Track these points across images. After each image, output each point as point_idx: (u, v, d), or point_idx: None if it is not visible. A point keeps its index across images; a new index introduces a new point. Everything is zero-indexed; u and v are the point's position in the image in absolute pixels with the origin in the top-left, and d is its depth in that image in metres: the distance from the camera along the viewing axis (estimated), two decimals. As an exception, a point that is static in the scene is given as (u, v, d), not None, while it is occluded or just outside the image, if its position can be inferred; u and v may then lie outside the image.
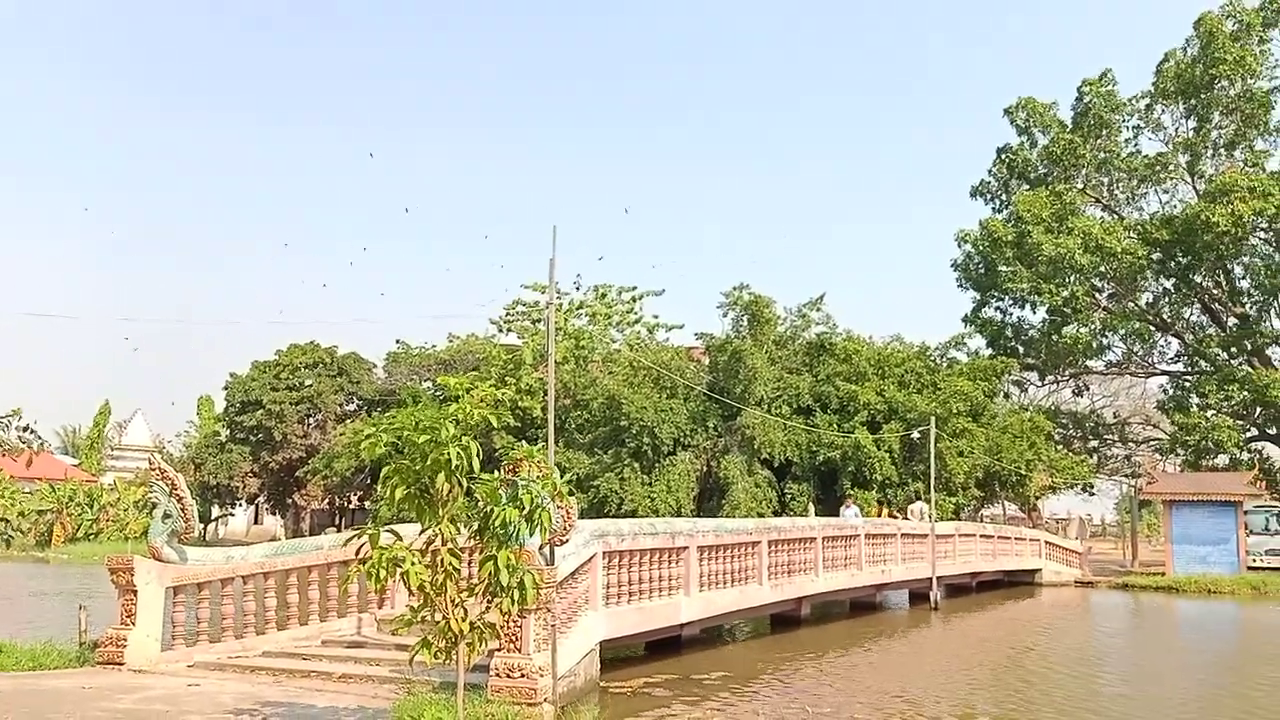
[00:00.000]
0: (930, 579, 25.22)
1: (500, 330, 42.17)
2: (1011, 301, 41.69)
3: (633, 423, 29.91)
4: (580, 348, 36.26)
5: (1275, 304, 40.75)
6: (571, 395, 33.57)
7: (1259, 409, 37.34)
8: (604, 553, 13.09)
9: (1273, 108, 40.08)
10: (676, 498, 29.17)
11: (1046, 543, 34.46)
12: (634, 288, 41.39)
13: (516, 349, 37.75)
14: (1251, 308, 40.59)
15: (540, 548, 10.37)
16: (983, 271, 41.66)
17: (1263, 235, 39.03)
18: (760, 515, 27.41)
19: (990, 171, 44.33)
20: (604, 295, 40.64)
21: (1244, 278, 40.78)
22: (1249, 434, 39.48)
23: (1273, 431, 39.50)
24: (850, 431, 30.58)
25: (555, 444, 32.24)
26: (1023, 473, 33.93)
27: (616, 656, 14.09)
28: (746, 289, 32.98)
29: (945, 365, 36.85)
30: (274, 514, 59.24)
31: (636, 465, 29.86)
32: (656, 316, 41.65)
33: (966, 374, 35.27)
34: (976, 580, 30.06)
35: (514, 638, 10.22)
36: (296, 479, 50.07)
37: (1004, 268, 39.55)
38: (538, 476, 8.86)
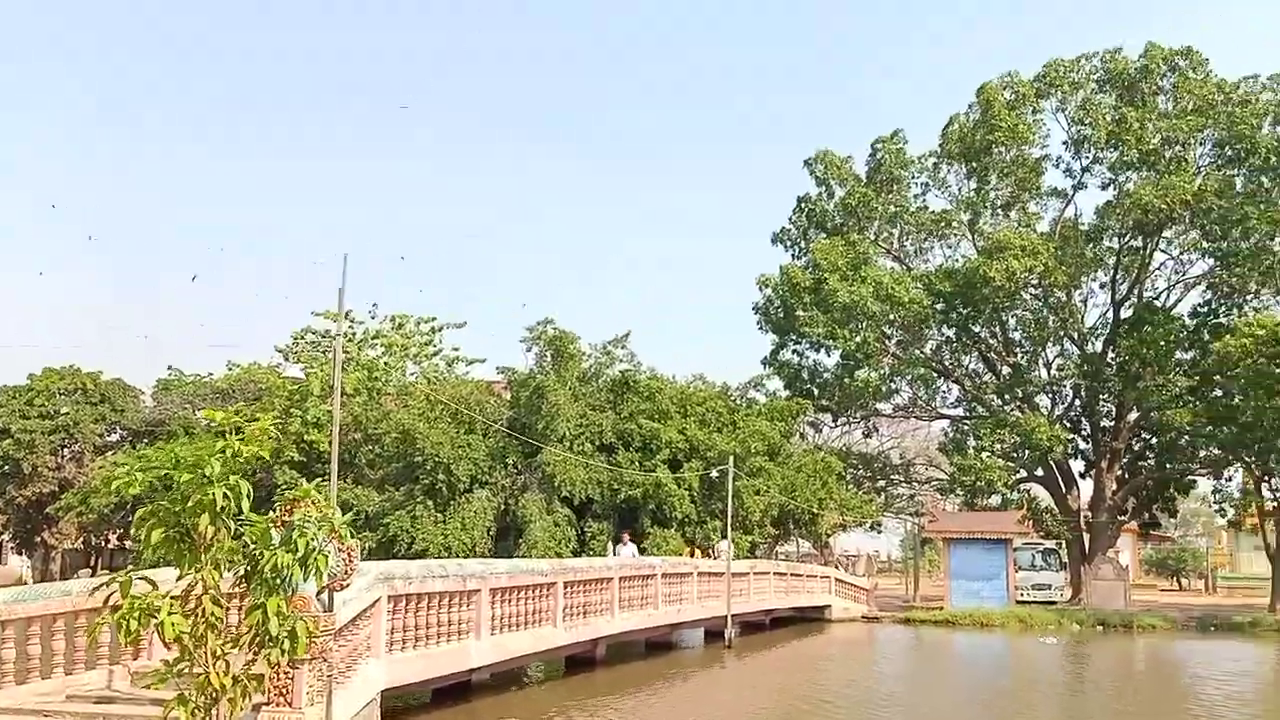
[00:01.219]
0: (725, 617, 25.93)
1: (287, 359, 40.44)
2: (808, 345, 43.74)
3: (427, 458, 29.29)
4: (373, 379, 35.30)
5: (1042, 355, 44.85)
6: (362, 429, 32.55)
7: (1026, 451, 40.76)
8: (389, 597, 12.75)
9: (1043, 173, 44.19)
10: (472, 536, 28.73)
11: (837, 580, 36.21)
12: (433, 318, 40.80)
13: (304, 380, 36.31)
14: (1022, 358, 44.42)
15: (318, 593, 9.99)
16: (782, 315, 43.57)
17: (1033, 291, 42.84)
18: (559, 555, 27.40)
19: (790, 219, 46.65)
20: (401, 325, 39.79)
21: (1015, 330, 44.62)
22: (1018, 475, 43.00)
23: (1039, 473, 43.24)
24: (652, 470, 31.15)
25: (343, 480, 31.18)
26: (815, 511, 35.55)
27: (400, 705, 13.69)
28: (551, 324, 33.19)
29: (745, 405, 38.20)
30: (20, 554, 54.02)
31: (430, 503, 29.21)
32: (457, 349, 41.22)
33: (765, 414, 36.73)
34: (770, 617, 31.15)
35: (284, 691, 9.77)
36: (47, 515, 45.88)
37: (802, 312, 41.42)
38: (316, 517, 8.56)
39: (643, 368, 35.99)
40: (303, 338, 39.59)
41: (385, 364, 38.11)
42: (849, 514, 38.71)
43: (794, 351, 44.76)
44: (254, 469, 7.96)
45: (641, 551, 28.03)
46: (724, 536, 28.77)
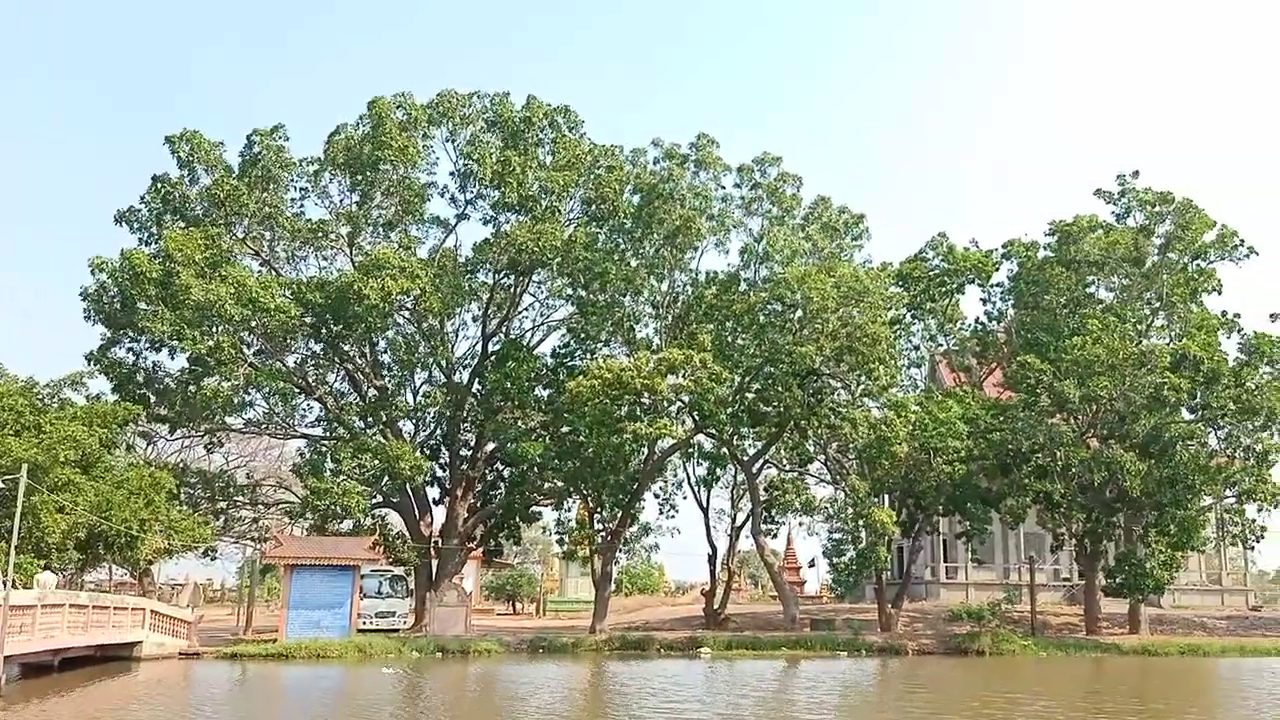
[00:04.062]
0: (-3, 660, 21.41)
1: None
2: (148, 344, 39.76)
3: None
4: None
5: (411, 381, 45.61)
6: None
7: (387, 478, 40.73)
8: None
9: (428, 200, 45.33)
10: None
11: (152, 612, 32.48)
12: None
13: None
14: (390, 381, 44.82)
15: None
16: (119, 307, 39.00)
17: (407, 314, 43.49)
18: None
19: (144, 199, 42.07)
20: None
21: (386, 352, 44.99)
22: (375, 501, 42.90)
23: (395, 499, 43.56)
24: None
25: None
26: (136, 534, 31.58)
27: None
28: None
29: (57, 406, 33.04)
30: None
31: None
32: None
33: (82, 418, 32.15)
34: (61, 658, 27.07)
35: None
36: None
37: (144, 306, 37.57)
38: None
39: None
40: None
41: None
42: (177, 537, 35.23)
43: (130, 349, 40.55)
44: None
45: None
46: (9, 562, 23.94)
